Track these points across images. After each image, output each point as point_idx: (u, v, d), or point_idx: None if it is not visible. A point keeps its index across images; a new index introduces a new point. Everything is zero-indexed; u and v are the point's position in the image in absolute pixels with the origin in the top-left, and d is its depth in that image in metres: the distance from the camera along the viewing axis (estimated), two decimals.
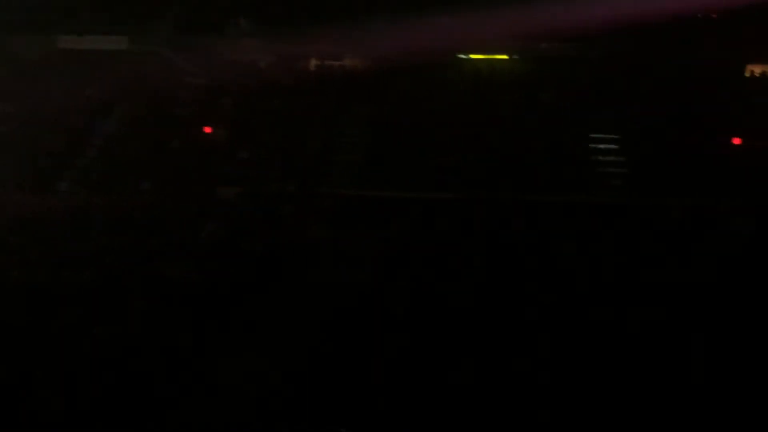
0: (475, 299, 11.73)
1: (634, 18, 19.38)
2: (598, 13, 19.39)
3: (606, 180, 18.40)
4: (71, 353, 10.28)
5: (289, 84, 21.49)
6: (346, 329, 11.24)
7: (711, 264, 13.10)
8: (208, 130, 20.27)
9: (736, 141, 18.71)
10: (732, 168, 17.84)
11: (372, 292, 12.50)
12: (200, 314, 11.46)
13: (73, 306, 11.67)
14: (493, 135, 18.98)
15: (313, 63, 22.50)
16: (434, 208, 16.27)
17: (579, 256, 13.80)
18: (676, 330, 10.84)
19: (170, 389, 9.66)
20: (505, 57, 21.87)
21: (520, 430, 9.16)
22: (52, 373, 9.79)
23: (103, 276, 12.86)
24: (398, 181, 17.90)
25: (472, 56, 22.06)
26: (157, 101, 21.05)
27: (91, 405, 9.28)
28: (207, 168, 18.94)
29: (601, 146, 19.18)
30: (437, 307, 11.59)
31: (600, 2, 19.57)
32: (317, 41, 21.53)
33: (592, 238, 14.61)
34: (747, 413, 9.15)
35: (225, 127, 20.40)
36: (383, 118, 20.09)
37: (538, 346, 10.48)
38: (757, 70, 21.24)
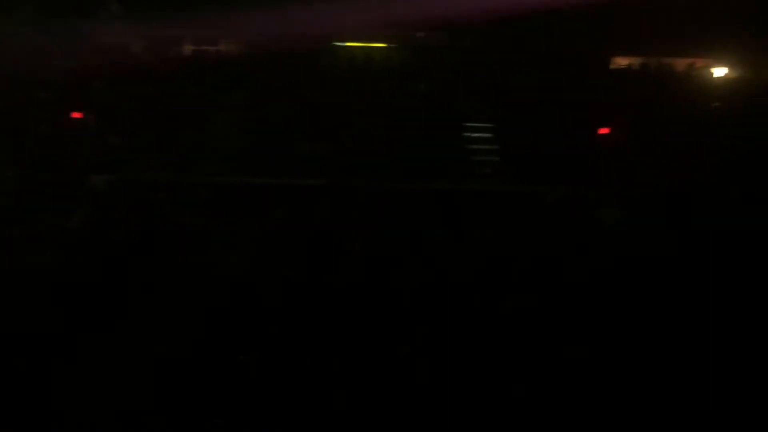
0: (351, 288, 11.76)
1: (508, 8, 19.83)
2: (474, 2, 19.75)
3: (479, 168, 18.79)
4: None
5: (163, 69, 20.98)
6: (223, 320, 11.10)
7: (576, 250, 13.56)
8: (77, 115, 19.56)
9: (604, 131, 19.36)
10: (600, 157, 18.50)
11: (248, 281, 12.37)
12: (67, 306, 11.09)
13: None
14: (370, 122, 19.04)
15: (188, 48, 22.09)
16: (310, 195, 16.24)
17: (453, 243, 14.02)
18: (544, 317, 11.15)
19: (33, 389, 9.31)
20: (381, 45, 22.03)
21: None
22: None
23: None
24: (274, 168, 17.78)
25: (349, 44, 22.12)
26: (22, 85, 20.19)
27: None
28: (77, 155, 18.29)
29: (475, 135, 19.56)
30: (314, 296, 11.55)
31: None
32: (192, 25, 21.11)
33: (467, 225, 14.89)
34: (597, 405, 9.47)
35: (95, 112, 19.72)
36: (259, 104, 19.88)
37: (414, 335, 10.58)
38: (623, 62, 22.13)
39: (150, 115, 19.43)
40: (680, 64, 22.22)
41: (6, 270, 12.20)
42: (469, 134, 19.62)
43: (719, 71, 22.48)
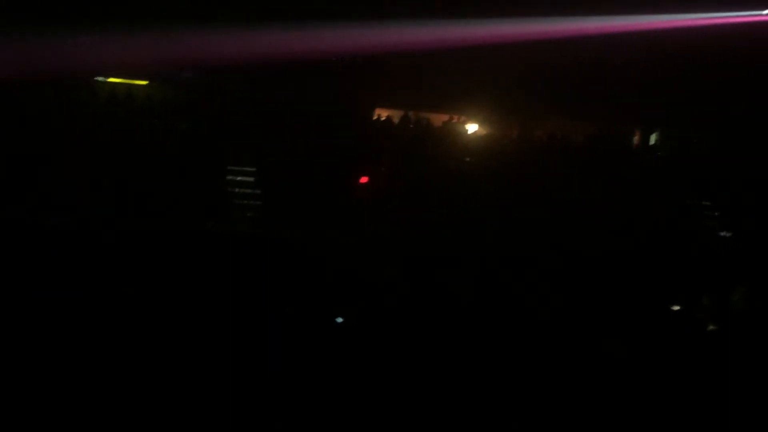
0: (98, 332, 11.25)
1: (273, 55, 20.05)
2: (242, 47, 19.82)
3: (241, 211, 18.72)
4: None
5: None
6: None
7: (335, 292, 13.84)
8: None
9: (364, 180, 19.92)
10: (359, 204, 18.99)
11: None
12: None
13: None
14: (128, 162, 18.46)
15: None
16: (59, 235, 15.46)
17: (215, 285, 13.85)
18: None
19: None
20: (144, 82, 21.60)
21: None
22: None
23: None
24: (27, 204, 16.79)
25: (111, 80, 21.52)
26: None
27: None
28: None
29: (238, 178, 19.49)
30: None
31: (242, 37, 20.02)
32: None
33: (226, 267, 14.74)
34: None
35: None
36: (11, 139, 18.76)
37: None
38: (383, 114, 22.98)
39: None
40: (438, 119, 23.41)
41: None
42: (232, 177, 19.50)
43: (472, 127, 23.92)
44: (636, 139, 25.95)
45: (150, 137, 19.35)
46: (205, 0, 20.69)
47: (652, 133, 25.84)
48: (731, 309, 13.69)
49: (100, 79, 21.44)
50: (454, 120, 23.57)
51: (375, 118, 23.09)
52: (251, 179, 19.54)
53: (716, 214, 21.37)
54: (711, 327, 13.64)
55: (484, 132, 23.94)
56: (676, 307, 14.45)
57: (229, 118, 20.38)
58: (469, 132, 23.87)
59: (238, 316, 12.51)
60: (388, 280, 15.13)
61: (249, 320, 12.40)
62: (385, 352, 11.80)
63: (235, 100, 20.99)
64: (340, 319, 13.21)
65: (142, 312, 12.30)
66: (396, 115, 23.05)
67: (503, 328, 13.10)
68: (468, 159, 21.47)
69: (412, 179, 19.79)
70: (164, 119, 20.20)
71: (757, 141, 22.45)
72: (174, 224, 16.80)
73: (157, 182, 18.11)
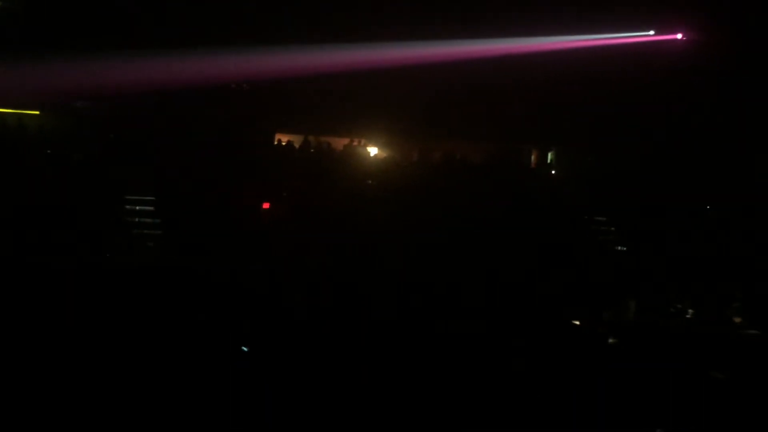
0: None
1: (169, 82, 19.83)
2: (133, 74, 19.53)
3: (141, 241, 18.36)
4: None
5: None
6: None
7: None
8: None
9: (266, 206, 19.81)
10: (262, 229, 18.87)
11: None
12: None
13: None
14: (19, 193, 17.91)
15: None
16: None
17: (112, 319, 13.54)
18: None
19: None
20: (36, 112, 21.06)
21: None
22: None
23: None
24: None
25: (1, 110, 20.93)
26: None
27: None
28: None
29: (137, 208, 19.11)
30: None
31: (137, 64, 19.74)
32: None
33: (126, 299, 14.45)
34: None
35: None
36: None
37: None
38: (284, 138, 22.92)
39: None
40: (338, 142, 23.48)
41: None
42: (131, 207, 19.12)
43: (373, 150, 24.10)
44: (533, 158, 26.52)
45: (43, 167, 18.83)
46: (97, 28, 20.28)
47: (548, 151, 26.45)
48: (624, 320, 14.12)
49: None
50: (355, 143, 23.68)
51: (276, 142, 23.00)
52: (151, 208, 19.18)
53: (612, 229, 22.01)
54: (610, 339, 14.03)
55: (384, 155, 24.12)
56: (577, 322, 14.80)
57: (125, 146, 20.00)
58: (371, 155, 24.02)
59: (142, 347, 12.27)
60: (294, 304, 15.10)
61: (154, 350, 12.16)
62: (293, 377, 11.74)
63: (131, 128, 20.60)
64: (245, 348, 13.08)
65: (41, 348, 11.99)
66: (297, 139, 23.01)
67: (411, 345, 13.23)
68: (370, 181, 21.61)
69: (315, 203, 19.78)
70: (57, 149, 19.69)
71: (648, 157, 23.22)
72: (71, 257, 16.31)
73: (52, 214, 17.61)
